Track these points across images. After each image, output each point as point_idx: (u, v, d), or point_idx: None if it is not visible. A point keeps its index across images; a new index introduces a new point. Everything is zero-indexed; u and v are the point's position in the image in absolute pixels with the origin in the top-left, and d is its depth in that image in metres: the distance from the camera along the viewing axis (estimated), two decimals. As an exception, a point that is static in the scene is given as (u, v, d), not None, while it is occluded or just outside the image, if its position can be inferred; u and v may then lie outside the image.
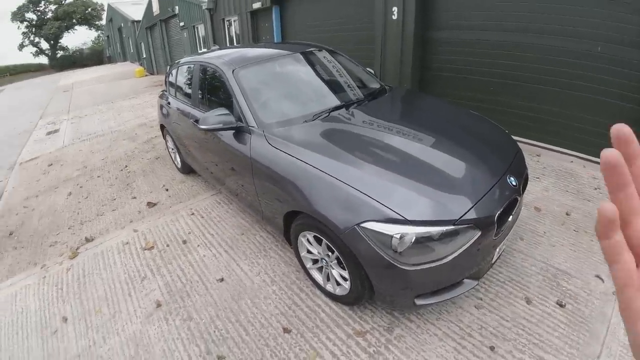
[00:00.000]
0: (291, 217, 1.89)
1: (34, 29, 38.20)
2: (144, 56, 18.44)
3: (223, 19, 9.27)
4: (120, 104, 9.79)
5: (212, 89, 2.70)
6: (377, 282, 1.53)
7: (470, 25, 3.84)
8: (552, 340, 1.62)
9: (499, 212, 1.55)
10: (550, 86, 3.38)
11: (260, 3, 7.25)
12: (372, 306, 1.87)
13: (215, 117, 2.10)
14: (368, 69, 3.08)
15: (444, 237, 1.40)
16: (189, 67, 3.16)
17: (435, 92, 4.42)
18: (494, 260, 1.77)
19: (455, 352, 1.60)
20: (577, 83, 3.19)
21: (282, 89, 2.45)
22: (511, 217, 1.68)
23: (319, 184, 1.61)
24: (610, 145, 0.28)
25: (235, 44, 9.18)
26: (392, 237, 1.38)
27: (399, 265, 1.41)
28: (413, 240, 1.38)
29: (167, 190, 3.70)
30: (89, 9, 38.11)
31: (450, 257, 1.43)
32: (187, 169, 3.83)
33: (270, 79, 2.47)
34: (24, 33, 38.52)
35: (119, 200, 3.64)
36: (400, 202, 1.44)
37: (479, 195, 1.54)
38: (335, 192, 1.54)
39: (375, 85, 2.70)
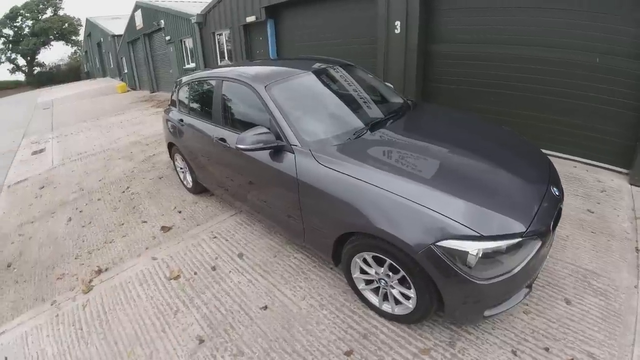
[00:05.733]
0: (342, 238, 1.86)
1: (10, 45, 36.48)
2: (126, 71, 17.96)
3: (213, 33, 9.20)
4: (107, 120, 9.41)
5: (239, 106, 2.66)
6: (449, 298, 1.54)
7: (472, 38, 4.03)
8: (594, 334, 1.73)
9: (552, 221, 1.62)
10: (551, 96, 3.57)
11: (254, 17, 7.25)
12: (430, 322, 1.87)
13: (253, 136, 2.05)
14: (387, 83, 3.14)
15: (511, 249, 1.44)
16: (205, 84, 3.10)
17: (439, 104, 4.57)
18: (542, 267, 1.83)
19: (517, 358, 1.64)
20: (577, 93, 3.38)
21: (317, 105, 2.43)
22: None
23: (385, 203, 1.59)
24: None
25: (226, 58, 9.12)
26: (468, 253, 1.40)
27: (474, 281, 1.43)
28: (481, 255, 1.41)
29: (179, 212, 3.56)
30: (66, 24, 36.89)
31: (518, 268, 1.48)
32: (198, 189, 3.71)
33: (304, 96, 2.44)
34: (0, 49, 36.79)
35: (128, 225, 3.46)
36: (470, 218, 1.46)
37: (535, 207, 1.60)
38: (404, 212, 1.53)
39: (399, 99, 2.75)
